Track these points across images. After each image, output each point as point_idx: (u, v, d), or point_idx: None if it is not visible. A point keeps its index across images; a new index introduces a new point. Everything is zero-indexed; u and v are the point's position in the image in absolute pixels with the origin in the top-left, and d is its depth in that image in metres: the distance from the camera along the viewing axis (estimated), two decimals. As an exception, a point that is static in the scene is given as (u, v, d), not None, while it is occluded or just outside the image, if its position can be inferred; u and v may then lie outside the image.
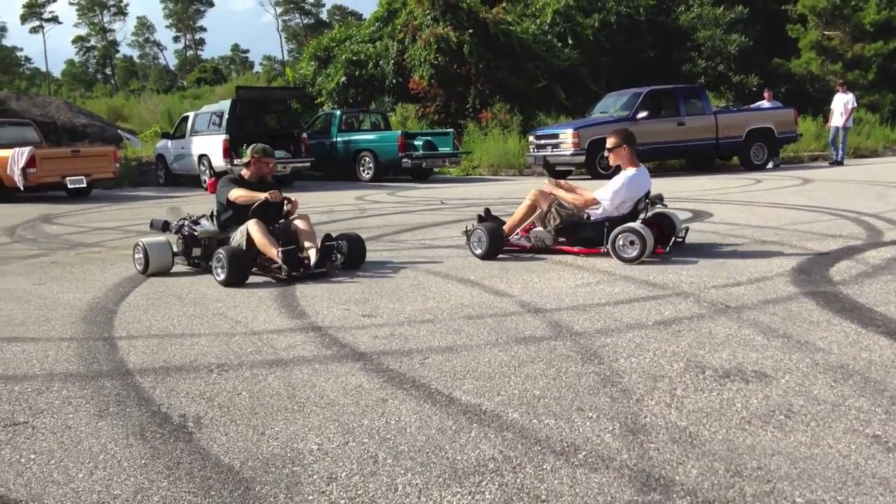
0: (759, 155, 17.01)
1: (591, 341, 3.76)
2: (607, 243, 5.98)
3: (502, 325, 4.14)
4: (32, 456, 2.61)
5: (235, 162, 15.89)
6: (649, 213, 6.28)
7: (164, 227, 6.48)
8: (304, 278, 5.58)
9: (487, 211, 6.89)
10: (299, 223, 6.08)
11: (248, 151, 6.33)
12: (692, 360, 3.42)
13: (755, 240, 6.78)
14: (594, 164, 15.92)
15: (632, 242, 5.84)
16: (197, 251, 6.16)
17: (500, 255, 6.26)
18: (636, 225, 5.95)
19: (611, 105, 17.36)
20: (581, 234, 6.33)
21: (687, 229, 6.50)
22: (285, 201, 6.17)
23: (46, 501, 2.27)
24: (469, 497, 2.23)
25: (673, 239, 6.26)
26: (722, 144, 16.78)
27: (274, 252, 5.62)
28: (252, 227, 5.76)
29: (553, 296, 4.81)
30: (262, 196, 5.91)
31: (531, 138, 17.48)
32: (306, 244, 5.92)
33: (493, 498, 2.21)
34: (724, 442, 2.54)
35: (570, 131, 16.08)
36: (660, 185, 13.79)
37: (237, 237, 5.86)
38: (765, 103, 18.17)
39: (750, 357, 3.44)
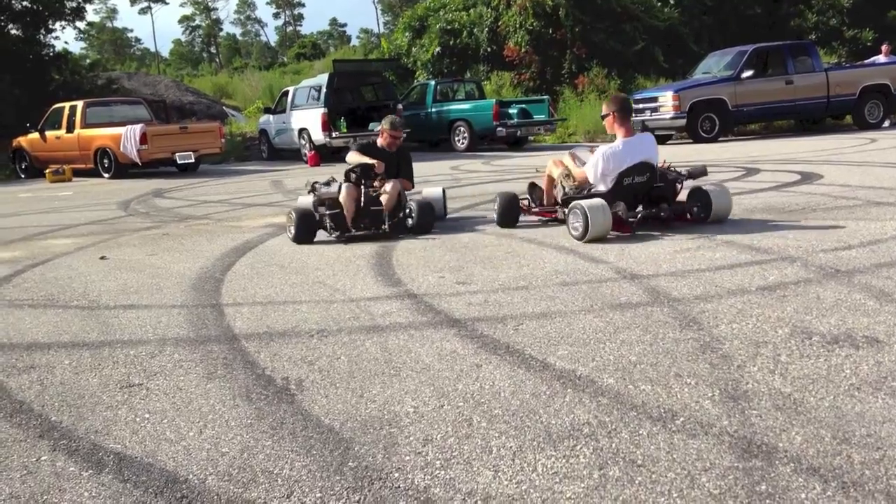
0: (875, 113, 16.06)
1: (689, 307, 3.67)
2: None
3: (597, 291, 4.09)
4: (147, 415, 2.76)
5: (334, 135, 16.23)
6: (683, 187, 5.96)
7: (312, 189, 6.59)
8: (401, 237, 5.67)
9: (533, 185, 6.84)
10: (388, 187, 6.37)
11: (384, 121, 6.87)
12: (798, 325, 3.30)
13: (869, 201, 6.44)
14: (696, 128, 15.42)
15: (576, 220, 5.51)
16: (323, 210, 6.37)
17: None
18: (585, 203, 5.46)
19: (714, 65, 16.68)
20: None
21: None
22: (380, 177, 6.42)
23: (160, 458, 2.40)
24: (563, 460, 2.22)
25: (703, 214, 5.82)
26: (833, 103, 15.92)
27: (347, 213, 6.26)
28: (343, 187, 6.28)
29: (650, 262, 4.72)
30: (369, 162, 6.41)
31: (629, 102, 17.02)
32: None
33: (587, 462, 2.21)
34: (831, 409, 2.45)
35: (669, 94, 15.59)
36: (767, 148, 13.30)
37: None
38: (881, 58, 17.11)
39: (861, 322, 3.28)
